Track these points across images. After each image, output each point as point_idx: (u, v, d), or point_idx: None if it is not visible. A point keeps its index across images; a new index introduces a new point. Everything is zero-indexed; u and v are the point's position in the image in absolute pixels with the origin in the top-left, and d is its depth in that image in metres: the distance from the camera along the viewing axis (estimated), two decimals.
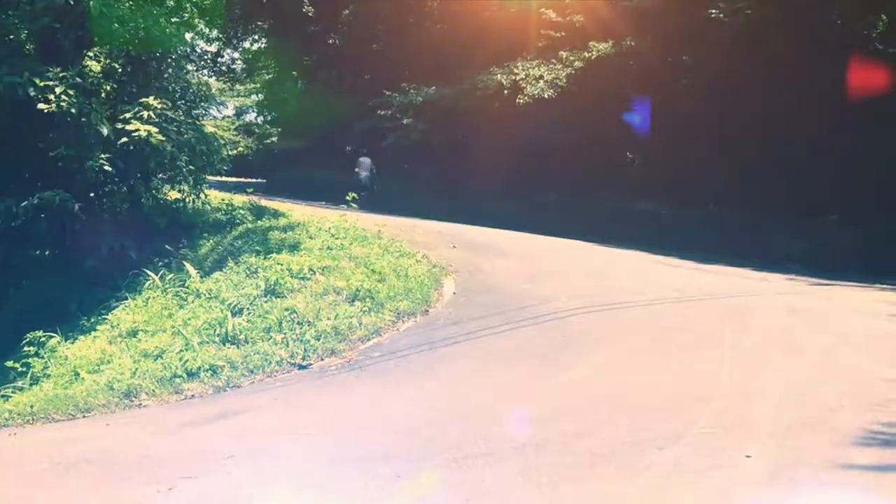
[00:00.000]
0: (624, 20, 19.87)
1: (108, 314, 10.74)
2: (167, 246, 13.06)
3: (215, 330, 8.67)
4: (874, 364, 7.18)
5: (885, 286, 12.45)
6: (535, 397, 6.48)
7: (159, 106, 13.17)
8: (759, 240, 16.28)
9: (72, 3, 12.75)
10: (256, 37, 41.28)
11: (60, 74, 12.47)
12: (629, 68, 19.60)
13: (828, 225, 15.72)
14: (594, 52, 20.00)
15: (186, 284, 10.76)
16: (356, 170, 24.61)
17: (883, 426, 5.17)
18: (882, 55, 15.24)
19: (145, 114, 12.91)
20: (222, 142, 17.78)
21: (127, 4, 14.32)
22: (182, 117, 14.34)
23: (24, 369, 9.67)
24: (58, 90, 12.25)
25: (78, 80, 12.68)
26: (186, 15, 17.35)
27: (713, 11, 17.00)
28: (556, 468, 4.55)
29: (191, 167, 14.25)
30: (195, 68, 30.88)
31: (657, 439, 4.99)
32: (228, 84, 46.37)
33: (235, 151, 45.07)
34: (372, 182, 24.57)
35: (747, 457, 4.60)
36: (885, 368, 6.96)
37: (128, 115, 12.93)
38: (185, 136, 13.89)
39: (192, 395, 7.39)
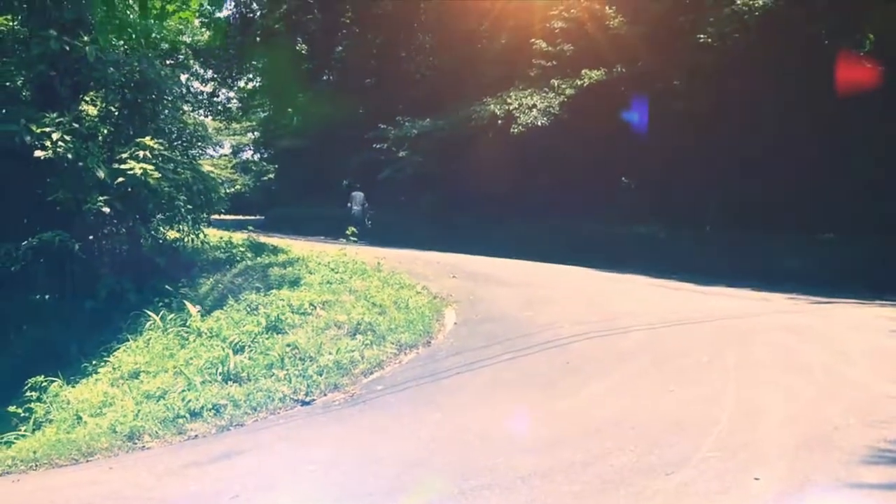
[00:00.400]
0: (614, 48, 20.11)
1: (109, 356, 10.71)
2: (167, 286, 13.05)
3: (217, 368, 8.64)
4: (877, 381, 7.16)
5: (885, 303, 12.46)
6: (539, 425, 6.45)
7: (156, 146, 13.26)
8: (758, 260, 16.31)
9: (67, 49, 12.89)
10: (251, 76, 41.75)
11: (57, 120, 12.56)
12: (621, 95, 19.79)
13: (825, 243, 15.76)
14: (586, 80, 20.20)
15: (187, 324, 10.75)
16: (349, 204, 24.85)
17: (890, 444, 5.15)
18: (870, 73, 15.39)
19: (141, 153, 12.99)
20: (220, 180, 17.88)
21: (122, 49, 14.50)
22: (179, 157, 14.43)
23: (27, 415, 9.61)
24: (55, 136, 12.33)
25: (74, 125, 12.77)
26: (181, 56, 17.55)
27: (701, 37, 17.22)
28: (564, 497, 4.52)
29: (189, 207, 14.31)
30: (191, 108, 31.13)
31: (664, 464, 4.96)
32: (224, 123, 46.78)
33: (233, 189, 45.34)
34: (364, 215, 24.76)
35: (756, 479, 4.58)
36: (889, 385, 6.94)
37: (124, 155, 13.01)
38: (183, 175, 13.97)
39: (196, 435, 7.36)
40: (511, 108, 21.44)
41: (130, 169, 12.71)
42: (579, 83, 20.40)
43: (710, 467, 4.86)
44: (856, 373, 7.58)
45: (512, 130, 20.93)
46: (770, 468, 4.78)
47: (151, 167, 12.84)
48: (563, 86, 20.98)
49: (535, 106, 21.07)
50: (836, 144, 15.68)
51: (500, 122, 21.66)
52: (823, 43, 16.26)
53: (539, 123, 20.66)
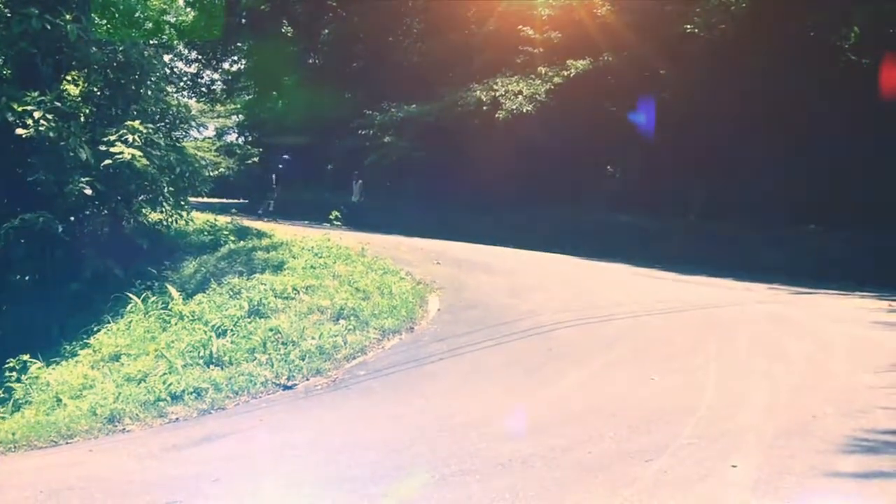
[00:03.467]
0: (601, 36, 20.11)
1: (90, 339, 10.64)
2: (150, 268, 12.98)
3: (199, 352, 8.61)
4: (856, 371, 7.24)
5: (864, 294, 12.59)
6: (520, 412, 6.48)
7: (144, 129, 13.13)
8: (741, 250, 16.44)
9: (49, 27, 12.71)
10: (236, 58, 41.32)
11: (38, 99, 12.41)
12: (607, 83, 19.82)
13: (807, 235, 15.89)
14: (572, 70, 20.19)
15: (169, 307, 10.70)
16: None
17: (866, 433, 5.21)
18: (855, 66, 15.48)
19: (130, 137, 12.86)
20: (203, 163, 17.73)
21: (105, 28, 14.31)
22: (162, 139, 14.31)
23: (6, 396, 9.55)
24: (36, 115, 12.20)
25: (56, 104, 12.63)
26: (165, 37, 17.36)
27: (688, 27, 17.24)
28: (544, 482, 4.54)
29: (171, 189, 14.20)
30: (175, 90, 30.82)
31: (643, 451, 5.00)
32: (209, 105, 46.34)
33: (217, 172, 44.95)
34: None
35: (733, 466, 4.61)
36: (867, 375, 7.02)
37: (112, 138, 12.87)
38: (166, 157, 13.85)
39: (177, 419, 7.33)
40: (497, 94, 21.40)
41: (119, 153, 12.59)
42: (566, 73, 20.38)
43: (688, 455, 4.90)
44: (835, 363, 7.66)
45: (497, 116, 20.91)
46: (748, 456, 4.83)
47: (139, 153, 12.73)
48: (550, 73, 20.97)
49: (521, 92, 21.04)
50: (821, 137, 15.77)
51: (485, 108, 21.62)
52: (809, 35, 16.32)
53: (525, 110, 20.65)
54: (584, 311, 10.47)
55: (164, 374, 8.14)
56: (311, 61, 35.03)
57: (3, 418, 8.81)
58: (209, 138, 53.48)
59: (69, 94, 13.20)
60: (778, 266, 15.26)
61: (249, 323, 9.42)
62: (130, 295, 11.41)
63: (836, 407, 5.90)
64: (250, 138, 45.41)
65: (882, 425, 5.39)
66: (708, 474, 4.53)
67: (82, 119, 13.46)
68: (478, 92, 22.15)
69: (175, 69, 33.80)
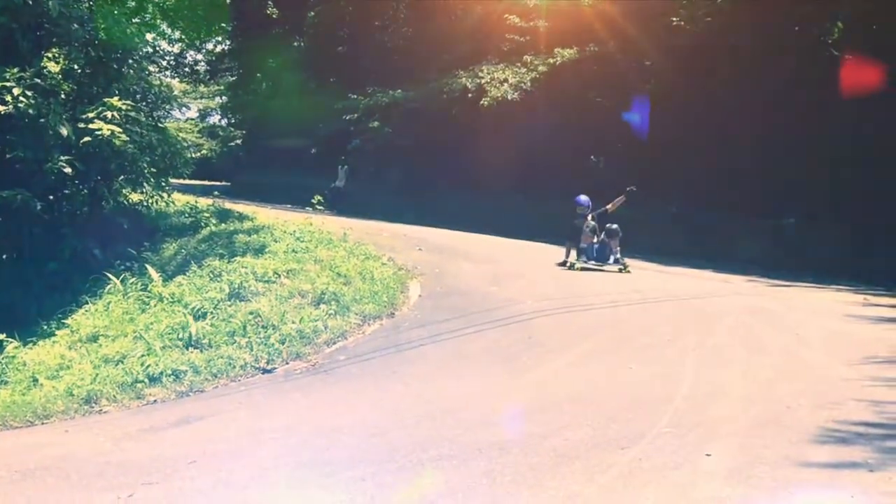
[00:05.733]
0: (588, 26, 20.10)
1: (68, 319, 10.55)
2: (129, 249, 12.88)
3: (178, 334, 8.56)
4: (830, 363, 7.34)
5: (840, 287, 12.75)
6: (499, 399, 6.52)
7: (124, 107, 12.99)
8: (721, 242, 16.57)
9: (30, 2, 12.52)
10: (220, 38, 40.91)
11: (18, 75, 12.24)
12: (593, 73, 19.83)
13: (786, 227, 16.04)
14: (558, 59, 20.18)
15: (149, 288, 10.62)
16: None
17: (838, 424, 5.29)
18: (837, 60, 15.59)
19: (109, 114, 12.72)
20: (185, 144, 17.59)
21: (86, 4, 14.12)
22: (144, 119, 14.17)
23: None
24: (15, 91, 12.03)
25: (36, 80, 12.45)
26: (148, 15, 17.16)
27: (674, 19, 17.28)
28: (520, 469, 4.58)
29: (152, 170, 14.08)
30: (157, 69, 30.48)
31: (620, 439, 5.05)
32: (192, 86, 45.93)
33: (199, 154, 44.67)
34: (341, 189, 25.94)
35: (707, 455, 4.67)
36: (841, 368, 7.12)
37: (91, 115, 12.73)
38: (147, 137, 13.73)
39: (155, 401, 7.30)
40: (482, 81, 21.38)
41: (98, 130, 12.45)
42: (551, 61, 20.37)
43: (664, 443, 4.95)
44: (812, 355, 7.76)
45: (482, 103, 20.89)
46: (722, 445, 4.89)
47: (119, 129, 12.60)
48: (536, 62, 20.95)
49: (506, 80, 21.03)
50: (801, 131, 15.88)
51: (470, 95, 21.60)
52: (794, 29, 16.41)
53: (510, 98, 20.65)
54: (564, 300, 10.53)
55: (143, 355, 8.09)
56: (296, 44, 34.77)
57: None
58: (192, 119, 53.05)
59: (49, 71, 13.01)
60: (756, 258, 15.42)
61: (230, 306, 9.37)
62: (109, 275, 11.32)
63: (811, 398, 5.98)
64: (234, 120, 45.09)
65: (854, 417, 5.48)
66: (683, 462, 4.58)
67: (62, 97, 13.27)
68: (463, 79, 22.10)
69: (158, 48, 33.40)
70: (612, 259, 13.41)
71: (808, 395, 6.11)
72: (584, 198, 14.21)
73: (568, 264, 13.49)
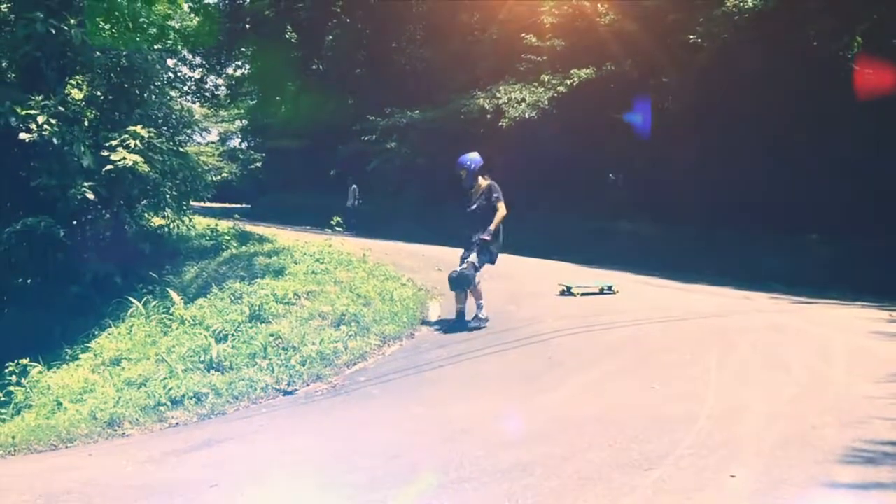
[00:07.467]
0: (604, 44, 20.14)
1: (91, 342, 10.68)
2: (151, 272, 13.01)
3: (199, 357, 8.63)
4: (855, 381, 7.23)
5: (864, 304, 12.57)
6: (520, 420, 6.48)
7: (146, 134, 13.17)
8: (741, 259, 16.42)
9: (53, 31, 12.78)
10: (240, 63, 41.50)
11: (42, 103, 12.47)
12: (610, 91, 19.83)
13: (808, 243, 15.88)
14: (576, 79, 20.21)
15: (170, 311, 10.71)
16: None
17: (865, 443, 5.20)
18: (857, 73, 15.49)
19: (132, 142, 12.90)
20: (206, 167, 17.77)
21: (109, 32, 14.39)
22: (165, 144, 14.37)
23: (7, 399, 9.57)
24: (40, 119, 12.26)
25: (60, 108, 12.69)
26: (170, 42, 17.42)
27: (692, 36, 17.27)
28: (542, 491, 4.54)
29: (174, 194, 14.25)
30: (178, 94, 30.93)
31: (643, 460, 4.99)
32: (212, 110, 46.51)
33: (220, 177, 45.10)
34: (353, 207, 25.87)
35: (732, 476, 4.61)
36: (866, 385, 7.00)
37: (114, 143, 12.92)
38: (169, 162, 13.90)
39: (177, 424, 7.34)
40: (500, 101, 21.45)
41: (121, 159, 12.64)
42: (569, 82, 20.41)
43: (688, 464, 4.89)
44: (836, 373, 7.64)
45: (500, 124, 20.95)
46: (747, 466, 4.82)
47: (141, 158, 12.77)
48: (554, 82, 20.99)
49: (524, 100, 21.09)
50: (823, 145, 15.78)
51: (489, 115, 21.67)
52: (812, 45, 16.34)
53: (528, 116, 20.69)
54: (583, 318, 10.47)
55: (165, 378, 8.16)
56: (314, 66, 35.16)
57: (3, 421, 8.83)
58: (213, 143, 53.63)
59: (73, 99, 13.28)
60: (779, 275, 15.23)
61: (250, 328, 9.43)
62: (132, 299, 11.44)
63: (836, 417, 5.89)
64: (253, 143, 45.56)
65: (881, 436, 5.38)
66: (707, 484, 4.52)
67: (86, 123, 13.52)
68: (481, 99, 22.20)
69: (179, 74, 33.92)
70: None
71: (833, 413, 6.01)
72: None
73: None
